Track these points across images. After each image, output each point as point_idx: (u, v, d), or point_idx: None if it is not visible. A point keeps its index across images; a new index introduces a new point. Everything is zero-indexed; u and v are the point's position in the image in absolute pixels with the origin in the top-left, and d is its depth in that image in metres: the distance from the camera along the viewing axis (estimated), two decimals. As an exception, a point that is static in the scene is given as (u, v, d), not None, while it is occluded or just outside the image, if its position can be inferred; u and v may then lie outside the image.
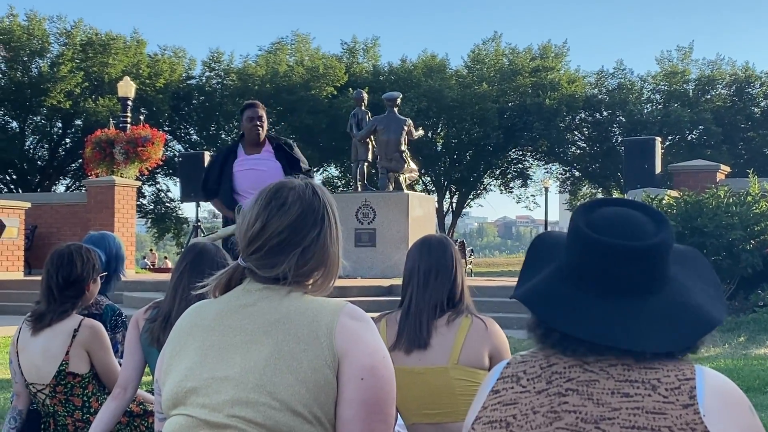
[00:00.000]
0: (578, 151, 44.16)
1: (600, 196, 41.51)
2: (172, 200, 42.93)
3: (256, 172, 7.24)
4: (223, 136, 42.99)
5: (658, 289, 1.68)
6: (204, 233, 19.10)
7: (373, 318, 3.58)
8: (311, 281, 2.09)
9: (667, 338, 1.63)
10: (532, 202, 47.34)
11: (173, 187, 44.35)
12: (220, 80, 42.13)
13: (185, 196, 19.55)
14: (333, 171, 44.35)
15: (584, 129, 43.36)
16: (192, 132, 43.43)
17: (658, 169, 16.18)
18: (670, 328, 1.64)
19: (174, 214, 43.09)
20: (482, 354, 3.45)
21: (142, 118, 22.89)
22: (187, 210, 43.97)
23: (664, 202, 12.49)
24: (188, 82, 42.02)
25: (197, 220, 19.67)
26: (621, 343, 1.63)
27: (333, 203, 2.15)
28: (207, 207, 43.64)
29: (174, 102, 40.18)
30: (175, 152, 39.58)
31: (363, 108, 17.58)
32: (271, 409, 1.88)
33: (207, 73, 42.52)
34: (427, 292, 3.51)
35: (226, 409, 1.90)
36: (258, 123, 7.38)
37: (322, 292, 2.11)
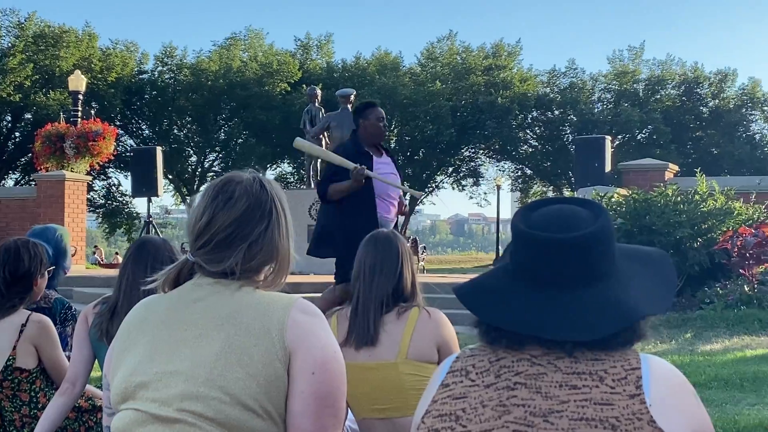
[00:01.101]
0: (530, 150, 44.42)
1: (551, 194, 41.86)
2: (123, 195, 42.47)
3: (388, 175, 7.06)
4: (175, 131, 42.62)
5: (591, 282, 1.69)
6: (156, 229, 18.93)
7: (324, 314, 3.60)
8: (262, 276, 2.09)
9: (587, 328, 1.64)
10: (483, 200, 47.51)
11: (124, 182, 43.85)
12: (172, 75, 41.72)
13: (136, 192, 19.34)
14: (286, 167, 44.20)
15: (536, 128, 43.61)
16: (144, 127, 42.99)
17: (608, 167, 16.35)
18: (592, 319, 1.65)
19: (125, 210, 42.64)
20: (430, 347, 3.47)
21: (93, 112, 22.60)
22: (139, 205, 43.55)
23: (613, 200, 12.62)
24: (140, 76, 41.54)
25: (149, 216, 19.47)
26: (542, 332, 1.66)
27: (282, 197, 2.14)
28: (159, 202, 43.16)
29: (126, 96, 39.70)
30: (127, 147, 39.18)
31: (316, 104, 17.56)
32: (221, 403, 1.88)
33: (159, 68, 42.09)
34: (373, 288, 3.52)
35: (175, 404, 1.90)
36: (385, 124, 7.18)
37: (275, 287, 2.11)
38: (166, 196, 42.24)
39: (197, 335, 1.96)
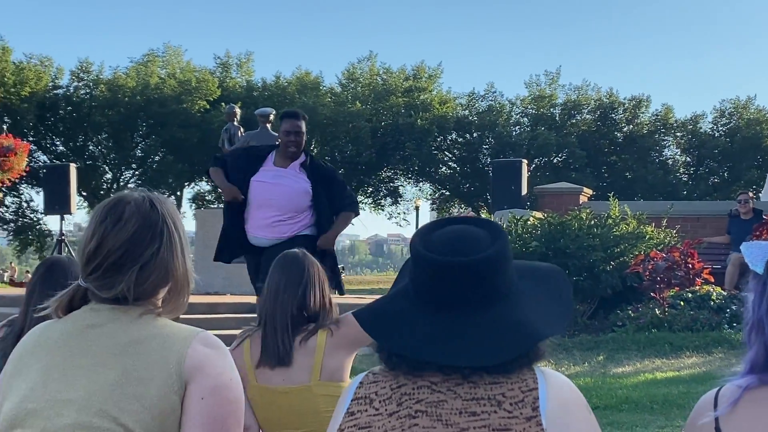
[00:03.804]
0: (448, 171, 44.78)
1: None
2: (34, 212, 41.55)
3: (273, 186, 6.83)
4: (90, 147, 41.92)
5: (490, 304, 1.70)
6: (68, 247, 18.54)
7: (227, 341, 3.57)
8: (159, 300, 2.03)
9: (486, 353, 1.65)
10: (403, 220, 47.72)
11: (36, 198, 42.92)
12: (88, 91, 41.00)
13: (49, 209, 18.92)
14: (204, 186, 43.77)
15: (455, 149, 44.00)
16: (58, 143, 42.18)
17: (524, 190, 16.53)
18: (491, 343, 1.66)
19: (37, 227, 41.70)
20: (342, 364, 3.47)
21: (5, 127, 22.13)
22: (51, 223, 42.63)
23: (528, 223, 12.75)
24: (55, 91, 40.73)
25: (61, 234, 19.06)
26: (439, 358, 1.66)
27: (176, 216, 2.07)
28: (72, 220, 42.46)
29: (39, 111, 38.89)
30: (41, 163, 38.36)
31: (235, 123, 17.40)
32: None
33: (75, 83, 41.34)
34: (277, 308, 3.50)
35: None
36: (294, 138, 6.91)
37: (176, 310, 2.05)
38: (80, 213, 41.46)
39: (93, 363, 1.91)
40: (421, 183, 45.66)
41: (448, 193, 45.46)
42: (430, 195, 46.49)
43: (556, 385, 1.69)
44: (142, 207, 2.01)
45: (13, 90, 36.92)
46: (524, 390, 1.66)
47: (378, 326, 1.76)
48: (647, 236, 12.51)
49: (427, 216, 53.70)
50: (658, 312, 10.73)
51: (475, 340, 1.66)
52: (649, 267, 10.87)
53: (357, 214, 7.19)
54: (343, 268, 22.84)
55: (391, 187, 45.64)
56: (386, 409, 1.71)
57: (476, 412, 1.64)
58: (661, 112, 42.83)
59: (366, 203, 46.09)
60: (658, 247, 12.13)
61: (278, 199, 6.83)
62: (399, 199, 46.04)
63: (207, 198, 42.79)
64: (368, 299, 16.38)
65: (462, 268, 1.69)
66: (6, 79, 36.87)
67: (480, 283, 1.70)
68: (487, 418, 1.63)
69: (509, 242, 1.79)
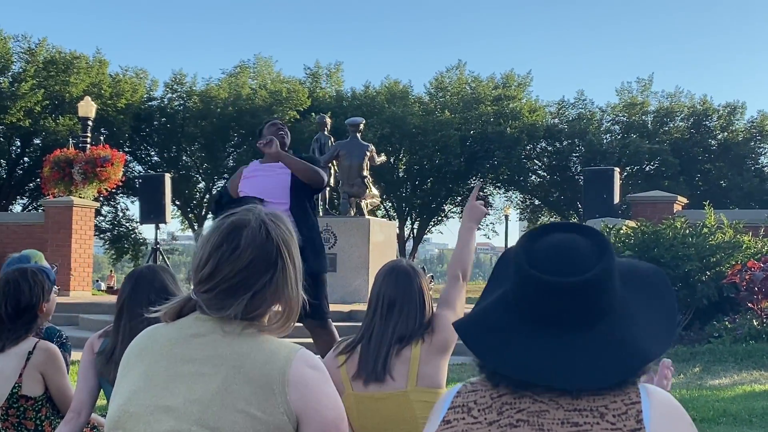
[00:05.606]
0: (538, 180, 44.47)
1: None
2: (130, 221, 42.58)
3: (260, 179, 6.78)
4: (184, 158, 42.77)
5: (594, 322, 1.66)
6: (163, 255, 18.94)
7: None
8: (266, 319, 2.05)
9: (593, 375, 1.62)
10: (491, 230, 47.52)
11: (132, 207, 43.96)
12: (182, 102, 41.94)
13: (144, 218, 19.35)
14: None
15: (544, 158, 43.68)
16: (153, 153, 43.20)
17: (617, 199, 16.31)
18: (598, 365, 1.62)
19: (132, 236, 42.69)
20: (438, 368, 3.44)
21: (102, 138, 22.71)
22: (146, 232, 43.61)
23: (621, 232, 12.58)
24: (150, 103, 41.79)
25: (156, 242, 19.49)
26: (545, 380, 1.63)
27: (289, 241, 2.07)
28: (166, 228, 43.34)
29: (135, 123, 39.93)
30: (135, 173, 39.30)
31: (326, 133, 17.59)
32: None
33: (169, 95, 42.34)
34: (390, 324, 3.45)
35: None
36: (282, 131, 6.97)
37: (282, 332, 2.07)
38: (174, 222, 42.32)
39: (194, 372, 1.94)
40: (510, 192, 45.43)
41: (537, 202, 45.12)
42: (519, 204, 46.22)
43: (660, 400, 1.66)
44: (258, 236, 2.02)
45: (109, 102, 37.91)
46: (627, 403, 1.63)
47: (481, 342, 1.73)
48: (744, 245, 12.22)
49: (516, 225, 53.31)
50: (755, 323, 10.46)
51: (583, 361, 1.63)
52: (747, 277, 10.62)
53: (321, 178, 6.85)
54: (432, 277, 22.83)
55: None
56: (486, 418, 1.69)
57: (578, 423, 1.62)
58: (757, 119, 41.88)
59: (455, 212, 46.03)
60: (756, 257, 11.83)
61: (261, 189, 6.69)
62: (488, 209, 45.82)
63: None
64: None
65: (568, 289, 1.65)
66: (103, 92, 37.86)
67: (586, 303, 1.66)
68: (589, 429, 1.61)
69: (615, 254, 1.74)
